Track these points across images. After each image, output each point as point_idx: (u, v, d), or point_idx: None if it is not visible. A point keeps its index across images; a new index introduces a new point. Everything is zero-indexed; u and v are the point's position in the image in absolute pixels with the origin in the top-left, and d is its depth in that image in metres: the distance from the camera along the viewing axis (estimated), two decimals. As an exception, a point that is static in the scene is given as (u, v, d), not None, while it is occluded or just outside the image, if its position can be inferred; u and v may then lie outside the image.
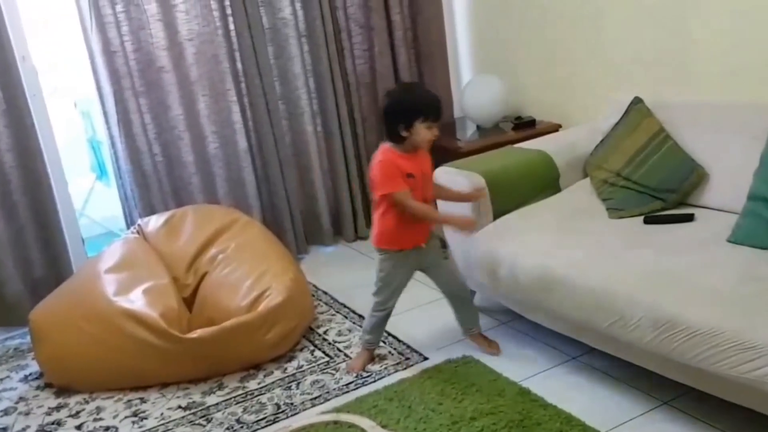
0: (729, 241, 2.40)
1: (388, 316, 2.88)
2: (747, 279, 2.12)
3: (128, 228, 3.79)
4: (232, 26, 3.79)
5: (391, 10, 4.14)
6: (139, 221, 3.52)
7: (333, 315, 3.36)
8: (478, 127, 3.98)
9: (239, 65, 3.86)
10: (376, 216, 2.76)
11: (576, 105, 3.72)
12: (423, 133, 2.59)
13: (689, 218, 2.67)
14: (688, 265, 2.28)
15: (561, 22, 3.68)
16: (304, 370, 2.92)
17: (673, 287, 2.18)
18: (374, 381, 2.78)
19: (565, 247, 2.58)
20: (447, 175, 3.03)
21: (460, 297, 2.89)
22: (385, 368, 2.85)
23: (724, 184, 2.67)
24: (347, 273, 3.83)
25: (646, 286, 2.23)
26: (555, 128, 3.77)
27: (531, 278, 2.56)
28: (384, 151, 2.64)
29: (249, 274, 3.10)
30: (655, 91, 3.01)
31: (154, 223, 3.46)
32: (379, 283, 2.85)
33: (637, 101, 2.96)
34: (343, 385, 2.78)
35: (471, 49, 4.34)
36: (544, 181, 3.05)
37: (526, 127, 3.81)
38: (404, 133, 2.58)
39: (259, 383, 2.86)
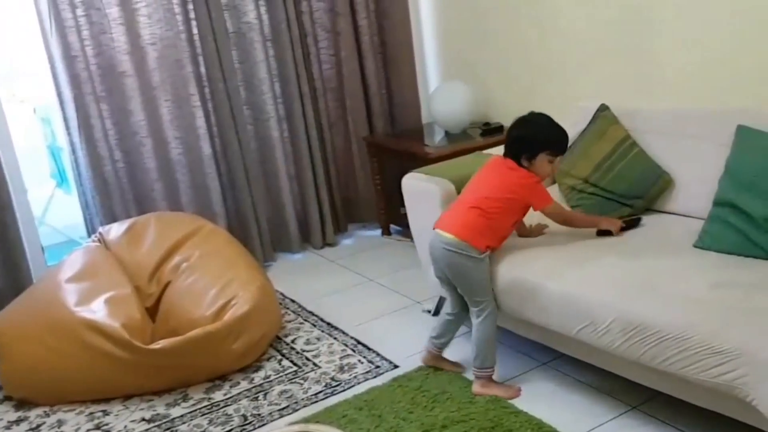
0: (695, 246, 2.42)
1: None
2: (715, 284, 2.13)
3: (89, 236, 3.71)
4: (195, 30, 3.74)
5: (357, 14, 4.13)
6: (101, 229, 3.44)
7: (301, 323, 3.31)
8: (447, 133, 3.97)
9: (203, 69, 3.81)
10: (486, 219, 2.52)
11: (543, 112, 3.71)
12: (544, 166, 2.57)
13: (636, 223, 2.69)
14: (656, 270, 2.29)
15: (527, 29, 3.69)
16: (271, 380, 2.87)
17: (643, 292, 2.18)
18: (343, 390, 2.74)
19: (535, 252, 2.57)
20: (416, 182, 3.01)
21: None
22: (355, 377, 2.82)
23: (690, 190, 2.69)
24: (315, 280, 3.79)
25: (615, 291, 2.23)
26: (522, 134, 3.77)
27: (502, 285, 2.54)
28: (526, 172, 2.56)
29: (214, 283, 3.05)
30: (620, 98, 3.03)
31: (115, 231, 3.38)
32: (485, 288, 2.58)
33: (603, 108, 2.97)
34: (311, 395, 2.74)
35: (438, 54, 4.34)
36: (512, 187, 3.04)
37: (494, 133, 3.81)
38: (525, 163, 2.55)
39: (225, 394, 2.81)
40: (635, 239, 2.57)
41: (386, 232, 4.28)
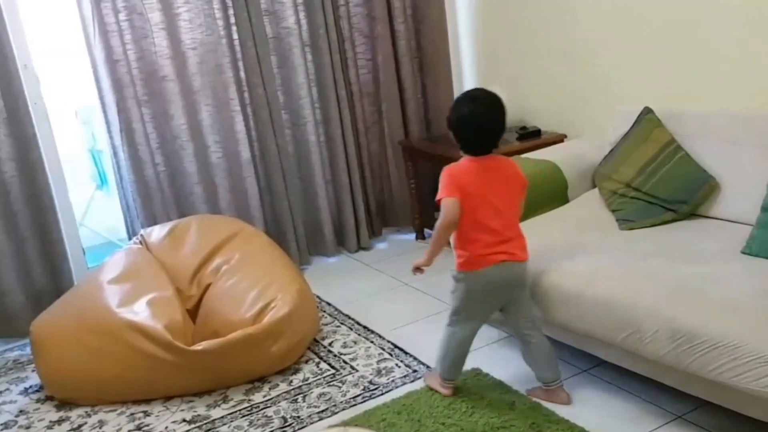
0: (743, 252, 2.38)
1: None
2: (765, 291, 2.08)
3: (129, 238, 3.76)
4: (235, 35, 3.77)
5: (395, 19, 4.13)
6: (142, 231, 3.48)
7: (338, 327, 3.32)
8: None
9: (242, 74, 3.84)
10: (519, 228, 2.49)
11: (581, 115, 3.70)
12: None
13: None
14: (703, 277, 2.25)
15: (566, 32, 3.66)
16: (310, 383, 2.87)
17: (691, 299, 2.15)
18: (381, 394, 2.74)
19: (576, 259, 2.54)
20: (455, 186, 2.99)
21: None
22: (393, 381, 2.81)
23: (736, 195, 2.65)
24: (351, 284, 3.79)
25: (662, 298, 2.19)
26: (560, 138, 3.75)
27: (542, 291, 2.52)
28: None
29: (254, 285, 3.06)
30: (663, 101, 2.99)
31: (157, 233, 3.42)
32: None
33: (647, 111, 2.94)
34: (350, 398, 2.73)
35: (474, 58, 4.33)
36: (552, 192, 3.02)
37: (531, 137, 3.79)
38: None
39: (264, 396, 2.82)
40: (680, 245, 2.53)
41: (420, 236, 4.27)
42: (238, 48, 3.80)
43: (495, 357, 2.87)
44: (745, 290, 2.12)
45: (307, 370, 2.96)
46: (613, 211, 2.86)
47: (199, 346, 2.78)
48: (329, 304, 3.56)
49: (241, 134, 3.87)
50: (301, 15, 3.92)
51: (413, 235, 4.28)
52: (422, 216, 4.20)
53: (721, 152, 2.71)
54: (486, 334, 3.04)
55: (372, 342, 3.12)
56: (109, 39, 3.54)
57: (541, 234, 2.78)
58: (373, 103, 4.24)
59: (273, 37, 3.91)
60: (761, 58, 2.81)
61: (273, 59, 3.92)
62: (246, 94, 3.87)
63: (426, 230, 4.26)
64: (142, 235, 3.45)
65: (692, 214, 2.75)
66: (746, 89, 2.88)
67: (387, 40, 4.14)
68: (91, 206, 4.70)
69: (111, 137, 3.66)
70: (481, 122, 2.40)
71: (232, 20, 3.74)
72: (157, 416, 2.77)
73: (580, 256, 2.57)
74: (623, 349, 2.31)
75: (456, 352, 2.58)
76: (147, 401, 2.86)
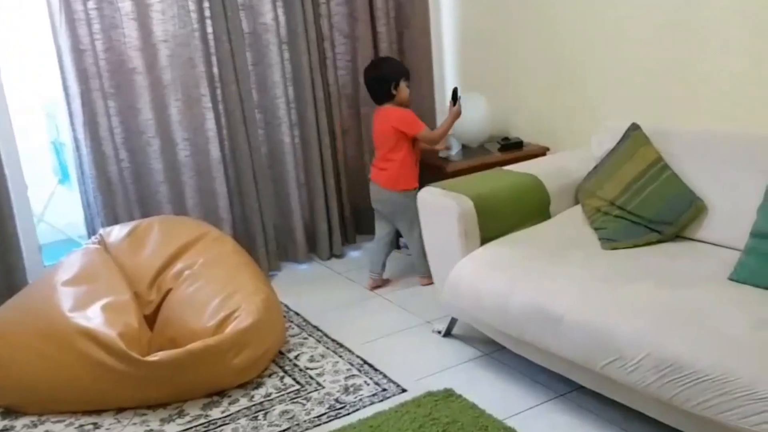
0: (731, 279, 2.27)
1: None
2: (757, 323, 1.98)
3: (89, 236, 3.57)
4: (210, 29, 3.61)
5: (377, 21, 4.00)
6: (101, 231, 3.30)
7: (305, 339, 3.16)
8: (464, 146, 3.83)
9: (215, 70, 3.68)
10: (399, 167, 3.44)
11: (565, 128, 3.59)
12: (406, 90, 3.46)
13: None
14: (690, 303, 2.14)
15: (552, 43, 3.56)
16: (272, 399, 2.72)
17: (678, 327, 2.03)
18: (348, 414, 2.59)
19: (558, 279, 2.42)
20: (433, 197, 2.87)
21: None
22: (360, 400, 2.66)
23: (723, 218, 2.54)
24: (321, 293, 3.65)
25: (647, 324, 2.08)
26: (543, 151, 3.64)
27: (522, 312, 2.40)
28: (395, 107, 3.44)
29: (217, 293, 2.91)
30: (652, 118, 2.89)
31: (117, 233, 3.24)
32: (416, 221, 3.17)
33: (634, 127, 2.83)
34: (314, 417, 2.59)
35: (457, 65, 4.21)
36: (534, 207, 2.90)
37: (513, 148, 3.68)
38: (394, 92, 3.42)
39: (223, 412, 2.66)
40: (664, 267, 2.41)
41: (395, 246, 4.13)
42: (211, 42, 3.64)
43: (469, 377, 2.74)
44: (735, 320, 2.01)
45: (270, 385, 2.81)
46: (596, 229, 2.75)
47: (155, 357, 2.61)
48: (297, 314, 3.41)
49: (211, 132, 3.71)
50: (280, 11, 3.77)
51: (387, 245, 4.14)
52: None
53: (709, 173, 2.61)
54: (461, 352, 2.93)
55: (341, 356, 2.98)
56: (76, 27, 3.35)
57: (523, 251, 2.66)
58: (352, 106, 4.11)
59: (249, 32, 3.76)
60: (753, 76, 2.72)
61: (248, 56, 3.76)
62: (218, 91, 3.71)
63: (401, 239, 4.12)
64: (101, 235, 3.27)
65: (677, 236, 2.64)
66: (739, 108, 2.78)
67: (368, 41, 4.00)
68: (52, 201, 4.49)
69: (74, 130, 3.48)
70: (365, 81, 3.55)
71: (207, 13, 3.58)
72: (107, 429, 2.60)
73: (562, 276, 2.44)
74: (604, 377, 2.18)
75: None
76: (98, 412, 2.69)
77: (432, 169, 3.59)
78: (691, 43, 2.93)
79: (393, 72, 3.44)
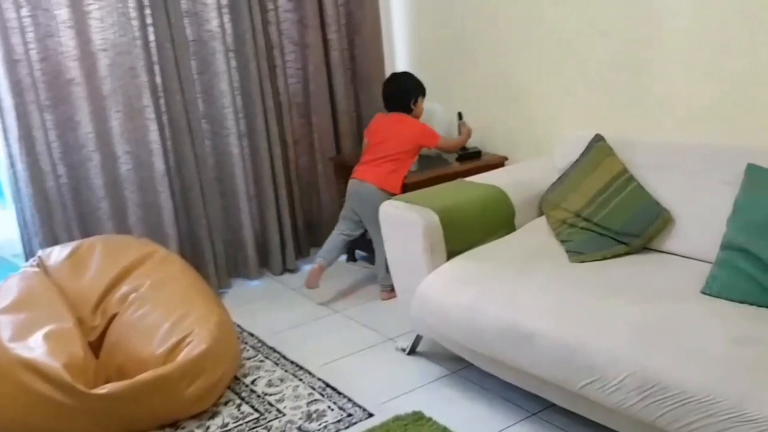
0: (703, 292, 2.23)
1: None
2: (736, 339, 1.93)
3: (26, 259, 3.34)
4: (152, 37, 3.44)
5: (327, 27, 3.89)
6: (40, 253, 3.08)
7: (261, 362, 3.02)
8: (420, 157, 3.73)
9: (158, 79, 3.51)
10: (395, 171, 3.43)
11: (522, 138, 3.54)
12: (422, 107, 3.56)
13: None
14: (665, 319, 2.09)
15: (509, 53, 3.50)
16: (229, 429, 2.57)
17: (658, 345, 1.97)
18: (313, 442, 2.47)
19: (529, 295, 2.34)
20: (396, 210, 2.76)
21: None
22: (325, 427, 2.53)
23: (691, 229, 2.51)
24: (276, 311, 3.50)
25: (626, 342, 2.01)
26: (501, 161, 3.58)
27: (494, 330, 2.31)
28: (414, 119, 3.53)
29: (166, 317, 2.74)
30: (615, 129, 2.85)
31: (57, 255, 3.04)
32: None
33: (598, 138, 2.78)
34: (276, 448, 2.45)
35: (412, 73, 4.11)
36: (499, 220, 2.83)
37: (471, 158, 3.60)
38: (413, 106, 3.51)
39: (177, 444, 2.50)
40: (635, 281, 2.36)
41: (351, 258, 4.02)
42: (154, 50, 3.47)
43: (438, 398, 2.64)
44: (715, 337, 1.96)
45: (227, 414, 2.66)
46: (562, 241, 2.68)
47: (103, 390, 2.43)
48: (252, 334, 3.26)
49: (155, 144, 3.53)
50: (225, 18, 3.62)
51: (344, 257, 4.02)
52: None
53: (676, 185, 2.57)
54: (427, 371, 2.83)
55: (301, 380, 2.84)
56: (9, 36, 3.14)
57: (491, 265, 2.58)
58: (303, 115, 3.98)
59: (194, 40, 3.60)
60: (722, 88, 2.70)
61: (193, 64, 3.60)
62: (162, 101, 3.54)
63: (357, 251, 4.02)
64: (39, 257, 3.06)
65: (645, 248, 2.60)
66: (703, 120, 2.76)
67: (319, 48, 3.89)
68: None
69: (8, 145, 3.24)
70: (383, 92, 3.62)
71: (149, 20, 3.41)
72: (51, 469, 2.41)
73: (532, 291, 2.37)
74: (581, 396, 2.11)
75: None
76: (40, 450, 2.49)
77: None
78: (647, 55, 2.91)
79: (416, 87, 3.53)
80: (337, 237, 3.56)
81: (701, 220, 2.48)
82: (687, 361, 1.89)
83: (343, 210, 3.59)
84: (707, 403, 1.78)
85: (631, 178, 2.65)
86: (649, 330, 2.05)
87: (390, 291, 3.38)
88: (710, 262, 2.35)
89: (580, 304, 2.25)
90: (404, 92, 3.50)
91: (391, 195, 3.29)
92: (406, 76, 3.62)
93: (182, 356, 2.57)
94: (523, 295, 2.35)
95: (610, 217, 2.62)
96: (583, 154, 2.79)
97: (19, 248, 3.48)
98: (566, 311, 2.22)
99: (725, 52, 2.68)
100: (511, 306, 2.31)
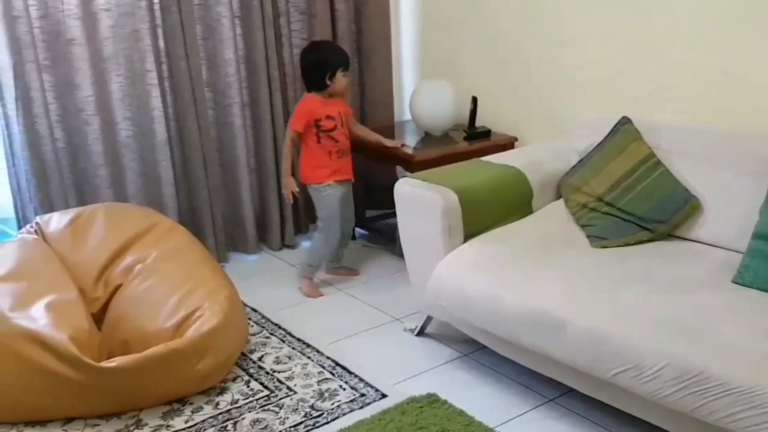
0: (734, 282, 2.20)
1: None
2: (775, 330, 1.91)
3: (19, 226, 3.22)
4: (157, -2, 3.30)
5: (336, -3, 3.77)
6: (38, 219, 2.97)
7: (267, 338, 2.94)
8: (426, 134, 3.66)
9: (162, 43, 3.38)
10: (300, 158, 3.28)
11: (534, 118, 3.47)
12: (343, 81, 3.16)
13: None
14: (698, 309, 2.06)
15: (520, 32, 3.42)
16: (240, 406, 2.50)
17: (696, 335, 1.94)
18: (326, 422, 2.40)
19: (554, 281, 2.29)
20: (413, 189, 2.69)
21: (346, 236, 3.45)
22: (338, 406, 2.48)
23: (719, 218, 2.48)
24: (276, 287, 3.42)
25: (661, 331, 1.98)
26: (511, 141, 3.51)
27: (517, 316, 2.26)
28: (307, 97, 3.19)
29: (174, 290, 2.65)
30: (638, 112, 2.79)
31: (56, 222, 2.92)
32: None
33: (625, 121, 2.73)
34: (290, 427, 2.38)
35: (417, 49, 4.03)
36: (517, 202, 2.77)
37: (480, 137, 3.53)
38: (328, 82, 3.13)
39: (186, 421, 2.42)
40: (664, 269, 2.33)
41: (351, 236, 3.95)
42: (158, 13, 3.33)
43: (451, 380, 2.59)
44: (753, 328, 1.94)
45: (236, 391, 2.58)
46: (582, 226, 2.64)
47: (112, 363, 2.34)
48: (255, 310, 3.18)
49: (156, 111, 3.41)
50: (233, -18, 3.49)
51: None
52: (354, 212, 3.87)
53: (704, 171, 2.53)
54: (438, 352, 2.79)
55: (309, 358, 2.78)
56: (8, -10, 2.99)
57: (510, 248, 2.53)
58: (307, 88, 3.86)
59: (199, 4, 3.46)
60: (748, 71, 2.65)
61: (198, 29, 3.47)
62: (165, 66, 3.41)
63: (357, 229, 3.95)
64: (38, 224, 2.94)
65: (669, 235, 2.56)
66: (735, 106, 2.70)
67: (326, 19, 3.77)
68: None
69: (4, 105, 3.09)
70: (301, 64, 3.28)
71: (155, -20, 3.27)
72: (54, 443, 2.32)
73: (557, 277, 2.32)
74: (609, 384, 2.08)
75: None
76: (43, 423, 2.40)
77: (398, 156, 3.41)
78: (658, 36, 2.85)
79: (333, 59, 3.14)
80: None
81: (727, 208, 2.46)
82: (727, 352, 1.86)
83: None
84: (750, 395, 1.75)
85: (659, 163, 2.61)
86: (684, 320, 2.02)
87: (309, 281, 3.34)
88: (737, 251, 2.34)
89: (609, 291, 2.21)
90: (316, 66, 3.13)
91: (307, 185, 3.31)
92: (321, 46, 3.31)
93: (192, 331, 2.49)
94: (547, 282, 2.30)
95: (635, 202, 2.58)
96: (607, 137, 2.74)
97: (10, 212, 3.34)
98: (596, 299, 2.18)
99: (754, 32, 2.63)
100: (537, 292, 2.26)
